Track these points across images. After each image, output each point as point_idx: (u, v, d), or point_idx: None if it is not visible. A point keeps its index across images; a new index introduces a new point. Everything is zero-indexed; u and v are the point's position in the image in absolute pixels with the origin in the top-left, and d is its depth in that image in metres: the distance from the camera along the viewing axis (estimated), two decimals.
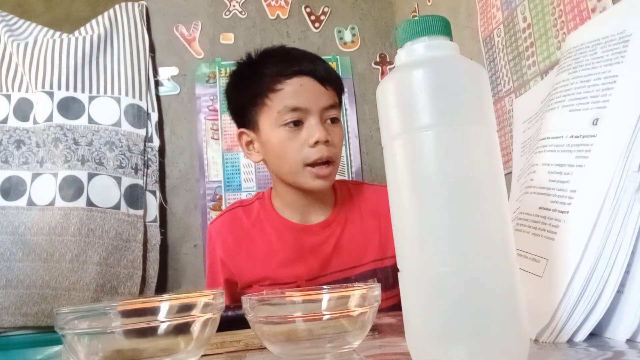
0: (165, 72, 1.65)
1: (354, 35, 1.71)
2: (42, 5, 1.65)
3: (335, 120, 0.91)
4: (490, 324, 0.34)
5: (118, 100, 1.54)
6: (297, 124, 0.87)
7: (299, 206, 0.96)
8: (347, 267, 0.94)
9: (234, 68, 0.99)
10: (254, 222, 0.97)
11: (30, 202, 1.42)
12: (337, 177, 0.99)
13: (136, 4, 1.63)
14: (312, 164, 0.87)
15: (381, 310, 0.54)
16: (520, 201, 0.56)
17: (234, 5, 1.70)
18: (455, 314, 0.34)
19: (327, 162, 0.88)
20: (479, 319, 0.34)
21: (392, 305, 0.86)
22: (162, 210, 1.55)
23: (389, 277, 0.91)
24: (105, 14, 1.59)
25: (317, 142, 0.86)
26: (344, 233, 0.95)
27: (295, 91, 0.88)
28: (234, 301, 0.95)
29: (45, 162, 1.47)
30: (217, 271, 0.97)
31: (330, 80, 0.91)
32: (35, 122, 1.48)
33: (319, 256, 0.94)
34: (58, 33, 1.55)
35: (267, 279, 0.93)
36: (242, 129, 0.96)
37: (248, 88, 0.93)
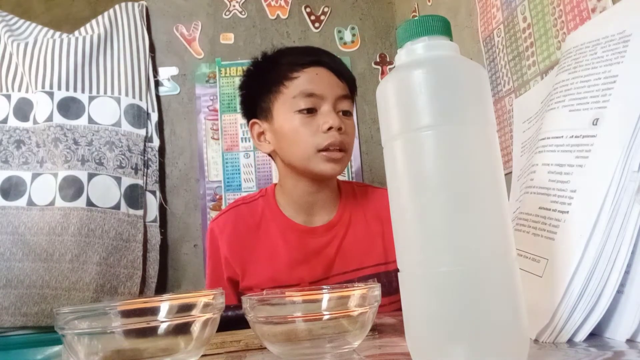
0: (165, 72, 1.65)
1: (354, 35, 1.71)
2: (42, 5, 1.65)
3: (347, 114, 0.92)
4: (490, 324, 0.34)
5: (118, 100, 1.54)
6: (311, 111, 0.89)
7: (304, 204, 0.95)
8: (350, 270, 0.93)
9: (249, 65, 1.00)
10: (259, 221, 0.96)
11: (30, 202, 1.42)
12: (339, 178, 0.99)
13: (136, 4, 1.63)
14: (325, 149, 0.88)
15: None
16: (520, 201, 0.56)
17: (234, 5, 1.70)
18: (455, 314, 0.34)
19: (339, 149, 0.88)
20: (479, 319, 0.34)
21: (395, 309, 0.86)
22: (162, 210, 1.55)
23: (392, 282, 0.90)
24: (105, 14, 1.59)
25: (330, 128, 0.87)
26: (347, 235, 0.95)
27: (311, 78, 0.89)
28: (239, 299, 0.94)
29: (45, 162, 1.47)
30: (219, 269, 0.95)
31: (345, 75, 0.93)
32: (35, 122, 1.48)
33: (323, 259, 0.93)
34: (58, 33, 1.55)
35: (269, 281, 0.92)
36: (254, 120, 0.96)
37: (263, 78, 0.94)
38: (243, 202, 1.00)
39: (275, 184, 1.02)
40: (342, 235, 0.95)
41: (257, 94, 0.95)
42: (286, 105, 0.90)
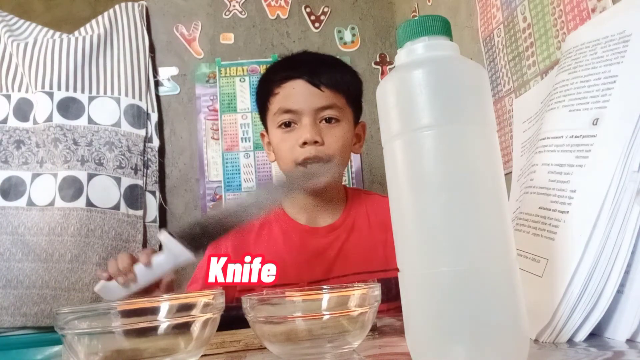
0: (165, 72, 1.65)
1: (354, 35, 1.71)
2: (42, 5, 1.65)
3: (331, 120, 0.92)
4: (490, 324, 0.34)
5: (118, 101, 1.54)
6: (288, 124, 0.92)
7: (308, 206, 0.98)
8: (350, 274, 0.94)
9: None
10: (263, 222, 1.00)
11: (30, 203, 1.42)
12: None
13: (136, 4, 1.63)
14: (302, 164, 0.90)
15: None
16: (520, 201, 0.56)
17: (234, 5, 1.70)
18: (455, 314, 0.34)
19: (320, 160, 0.89)
20: (479, 319, 0.34)
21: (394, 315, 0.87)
22: (162, 210, 1.55)
23: (392, 289, 0.89)
24: (105, 14, 1.59)
25: (305, 143, 0.89)
26: (349, 239, 0.97)
27: (287, 94, 0.92)
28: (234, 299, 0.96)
29: (45, 163, 1.47)
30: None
31: (329, 83, 0.92)
32: (35, 122, 1.48)
33: (323, 260, 0.95)
34: (58, 33, 1.55)
35: None
36: (262, 131, 1.03)
37: (259, 93, 1.00)
38: None
39: None
40: (344, 238, 0.96)
41: (259, 108, 1.01)
42: (271, 120, 0.95)
